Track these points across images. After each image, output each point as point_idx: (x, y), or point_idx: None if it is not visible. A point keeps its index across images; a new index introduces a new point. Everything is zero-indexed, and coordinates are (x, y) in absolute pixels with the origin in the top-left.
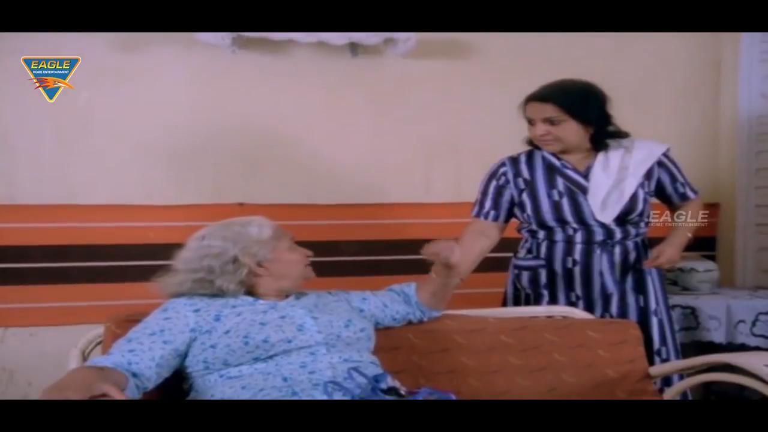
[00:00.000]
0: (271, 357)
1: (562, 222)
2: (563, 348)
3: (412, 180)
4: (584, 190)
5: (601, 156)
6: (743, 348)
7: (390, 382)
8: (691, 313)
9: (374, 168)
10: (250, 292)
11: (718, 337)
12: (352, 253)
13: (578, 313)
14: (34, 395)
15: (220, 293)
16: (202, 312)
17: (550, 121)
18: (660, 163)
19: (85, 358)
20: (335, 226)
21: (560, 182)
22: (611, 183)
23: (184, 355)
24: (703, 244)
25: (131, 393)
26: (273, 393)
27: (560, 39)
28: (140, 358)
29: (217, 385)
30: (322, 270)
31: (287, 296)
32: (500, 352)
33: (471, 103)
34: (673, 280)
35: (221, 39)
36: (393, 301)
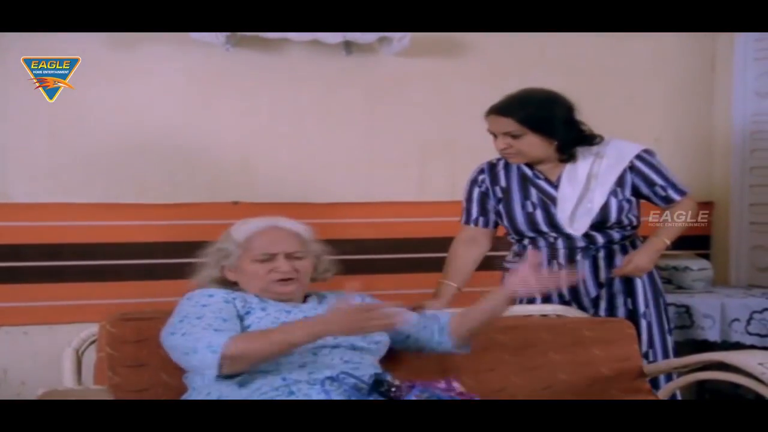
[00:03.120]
0: None
1: (539, 232)
2: (558, 346)
3: (407, 178)
4: (555, 201)
5: (568, 167)
6: (738, 346)
7: (390, 380)
8: (686, 311)
9: (369, 166)
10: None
11: (713, 335)
12: (346, 252)
13: (573, 311)
14: (28, 394)
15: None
16: (236, 301)
17: (511, 135)
18: (632, 168)
19: (79, 356)
20: (329, 225)
21: (534, 193)
22: (578, 194)
23: None
24: (697, 242)
25: None
26: (270, 393)
27: (555, 37)
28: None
29: (213, 383)
30: None
31: (306, 299)
32: (495, 350)
33: (466, 101)
34: (667, 279)
35: (215, 37)
36: (424, 326)
